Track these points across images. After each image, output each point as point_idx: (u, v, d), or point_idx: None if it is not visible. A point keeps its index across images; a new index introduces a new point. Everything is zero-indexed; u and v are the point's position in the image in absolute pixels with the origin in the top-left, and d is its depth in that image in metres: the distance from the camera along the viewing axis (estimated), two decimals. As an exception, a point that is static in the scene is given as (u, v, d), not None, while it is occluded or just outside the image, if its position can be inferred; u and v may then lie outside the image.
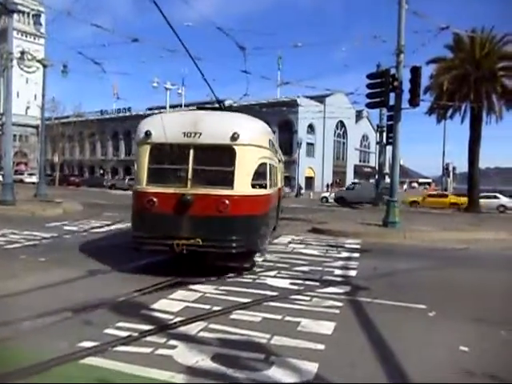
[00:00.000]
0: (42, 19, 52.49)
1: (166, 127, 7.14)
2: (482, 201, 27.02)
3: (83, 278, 6.67)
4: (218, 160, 7.12)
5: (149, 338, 4.22)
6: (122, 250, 9.43)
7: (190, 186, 6.92)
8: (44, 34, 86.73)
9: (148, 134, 7.22)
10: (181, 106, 62.92)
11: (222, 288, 6.20)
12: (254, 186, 7.26)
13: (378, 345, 4.28)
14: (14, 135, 49.93)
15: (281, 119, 55.79)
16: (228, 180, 6.97)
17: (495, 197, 30.28)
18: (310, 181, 57.70)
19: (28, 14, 79.88)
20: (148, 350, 3.95)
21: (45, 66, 25.86)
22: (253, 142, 7.26)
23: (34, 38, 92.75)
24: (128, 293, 5.76)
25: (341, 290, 6.35)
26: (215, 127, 7.17)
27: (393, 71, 14.25)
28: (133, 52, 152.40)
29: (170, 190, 6.95)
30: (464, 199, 27.79)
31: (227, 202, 6.79)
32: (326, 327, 4.72)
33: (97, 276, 6.81)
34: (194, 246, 6.73)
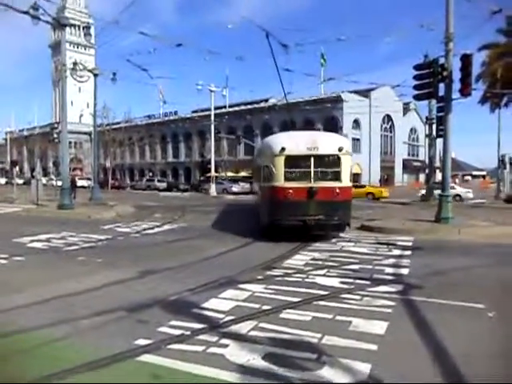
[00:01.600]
0: (92, 30, 54.85)
1: (294, 144, 11.04)
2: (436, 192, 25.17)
3: (136, 278, 6.89)
4: (329, 164, 11.01)
5: (201, 337, 4.29)
6: (171, 251, 9.71)
7: (313, 181, 10.80)
8: (94, 45, 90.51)
9: (283, 149, 10.89)
10: (225, 107, 63.79)
11: (271, 287, 6.21)
12: None
13: (433, 345, 4.12)
14: (70, 142, 52.33)
15: (325, 116, 55.16)
16: (337, 177, 10.93)
17: (452, 187, 29.32)
18: (356, 177, 56.51)
19: (79, 26, 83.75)
20: (200, 348, 4.02)
21: (95, 75, 26.99)
22: (348, 152, 11.28)
23: (85, 49, 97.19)
24: (179, 292, 5.89)
25: (393, 289, 6.18)
26: (326, 143, 11.19)
27: (441, 60, 13.69)
28: (177, 57, 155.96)
29: (301, 185, 10.77)
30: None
31: (338, 190, 10.80)
32: (379, 327, 4.60)
33: (149, 276, 7.02)
34: (318, 220, 10.72)
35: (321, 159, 10.95)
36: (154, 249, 10.02)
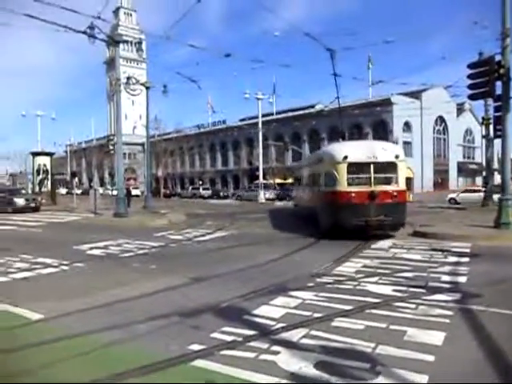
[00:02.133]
0: (144, 45, 57.15)
1: (355, 153, 12.42)
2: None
3: (189, 284, 7.04)
4: (387, 170, 12.43)
5: (252, 343, 4.31)
6: (222, 258, 9.84)
7: (374, 185, 12.14)
8: (145, 59, 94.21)
9: (345, 157, 12.27)
10: (272, 114, 64.12)
11: (322, 294, 6.14)
12: None
13: (493, 357, 3.90)
14: (124, 153, 54.64)
15: (374, 120, 54.04)
16: (396, 180, 12.48)
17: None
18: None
19: (131, 42, 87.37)
20: (252, 354, 4.04)
21: (147, 88, 28.04)
22: (403, 159, 12.77)
23: (137, 64, 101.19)
24: (230, 298, 5.96)
25: (450, 298, 5.92)
26: (384, 151, 12.55)
27: (498, 58, 13.06)
28: (225, 67, 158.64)
29: (363, 189, 12.13)
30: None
31: (396, 193, 12.28)
32: (436, 337, 4.42)
33: (201, 283, 7.15)
34: (380, 221, 12.07)
35: (379, 166, 12.38)
36: (206, 256, 10.21)
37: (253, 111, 51.52)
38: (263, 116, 47.21)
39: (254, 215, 23.67)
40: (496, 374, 3.60)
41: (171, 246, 11.87)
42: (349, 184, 12.31)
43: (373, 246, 10.99)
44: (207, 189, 58.99)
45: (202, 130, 76.03)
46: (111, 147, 23.43)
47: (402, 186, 12.62)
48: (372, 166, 12.32)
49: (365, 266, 8.30)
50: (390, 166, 12.53)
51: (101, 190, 43.75)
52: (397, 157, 12.60)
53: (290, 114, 63.67)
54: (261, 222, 19.69)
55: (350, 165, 12.35)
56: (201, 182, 71.79)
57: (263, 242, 12.45)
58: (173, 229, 16.25)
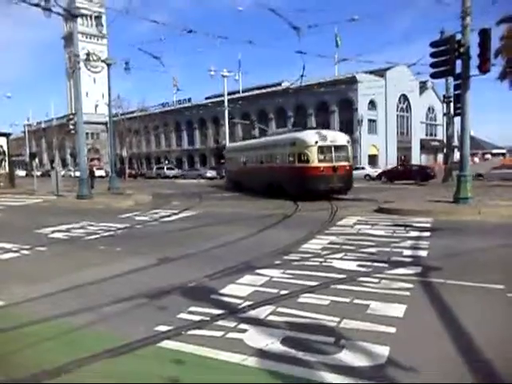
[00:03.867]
0: (104, 20, 54.82)
1: (322, 138, 18.18)
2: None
3: (155, 265, 6.99)
4: (342, 151, 18.56)
5: (220, 322, 4.35)
6: (189, 238, 9.81)
7: (335, 161, 18.00)
8: (106, 35, 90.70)
9: (316, 142, 18.02)
10: (238, 92, 63.45)
11: (289, 272, 6.23)
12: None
13: (452, 328, 4.09)
14: (87, 133, 52.85)
15: (340, 98, 54.43)
16: (347, 158, 18.67)
17: (362, 168, 40.66)
18: (373, 159, 55.86)
19: (90, 16, 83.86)
20: (219, 333, 4.07)
21: (108, 65, 27.09)
22: (350, 143, 19.24)
23: (97, 39, 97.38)
24: (198, 278, 5.96)
25: (411, 271, 6.14)
26: (340, 137, 19.15)
27: (458, 36, 13.33)
28: (189, 44, 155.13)
29: (328, 164, 17.91)
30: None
31: (348, 168, 18.61)
32: (397, 310, 4.59)
33: (167, 263, 7.11)
34: (339, 187, 18.23)
35: (338, 148, 18.48)
36: (172, 236, 10.15)
37: (218, 89, 50.80)
38: (229, 94, 46.64)
39: (221, 194, 23.62)
40: (454, 343, 3.78)
41: (137, 228, 11.71)
42: (319, 161, 18.03)
43: (338, 223, 11.20)
44: (172, 168, 58.40)
45: (166, 108, 74.44)
46: (72, 127, 22.65)
47: (351, 162, 19.33)
48: (333, 148, 18.24)
49: (331, 243, 8.47)
50: (344, 148, 18.76)
51: (63, 172, 42.38)
52: (348, 142, 19.13)
53: (257, 91, 63.19)
54: (228, 200, 19.70)
55: (319, 147, 18.05)
56: (167, 162, 70.79)
57: (230, 221, 12.48)
58: (139, 210, 16.02)
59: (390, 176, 33.53)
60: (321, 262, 6.86)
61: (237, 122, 54.90)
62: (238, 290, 5.44)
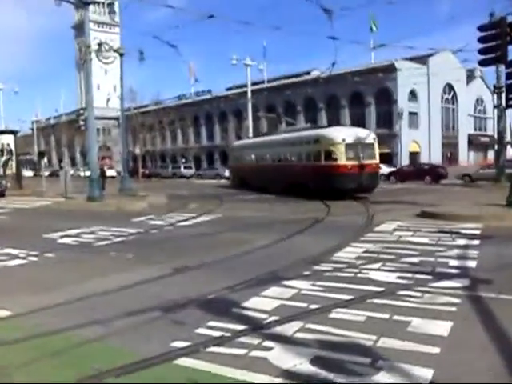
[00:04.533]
0: (116, 7, 55.90)
1: (349, 136, 20.26)
2: None
3: (171, 275, 7.06)
4: (369, 148, 20.67)
5: (242, 339, 4.34)
6: (208, 245, 9.88)
7: (362, 160, 19.79)
8: (118, 23, 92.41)
9: (343, 139, 19.84)
10: (263, 82, 63.62)
11: (320, 284, 6.19)
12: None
13: (505, 350, 3.97)
14: (97, 129, 53.79)
15: (377, 88, 53.95)
16: (373, 156, 20.82)
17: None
18: (414, 156, 54.98)
19: (102, 3, 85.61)
20: (242, 351, 4.06)
21: (121, 55, 27.57)
22: (376, 140, 21.30)
23: (110, 28, 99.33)
24: (217, 290, 5.98)
25: (458, 284, 6.01)
26: (366, 135, 21.33)
27: (510, 19, 13.02)
28: (209, 31, 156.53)
29: (355, 162, 19.70)
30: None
31: (374, 165, 20.82)
32: (442, 328, 4.49)
33: (185, 273, 7.18)
34: (366, 185, 20.08)
35: (364, 146, 20.41)
36: (190, 243, 10.24)
37: (241, 79, 51.03)
38: (253, 84, 46.87)
39: (243, 196, 23.70)
40: (507, 368, 3.67)
41: (151, 233, 11.87)
42: (346, 159, 19.76)
43: (376, 229, 11.09)
44: (189, 167, 58.91)
45: (183, 101, 75.36)
46: (82, 122, 23.20)
47: (377, 160, 21.28)
48: (360, 145, 20.10)
49: (367, 251, 8.39)
50: (371, 146, 20.77)
51: (72, 171, 43.34)
52: (374, 139, 21.06)
53: (283, 81, 63.24)
54: (252, 203, 19.76)
55: (347, 145, 19.88)
56: (184, 160, 71.47)
57: (254, 226, 12.53)
58: (153, 213, 16.22)
59: (400, 176, 34.17)
60: (355, 273, 6.79)
61: (261, 115, 55.07)
62: (262, 303, 5.43)
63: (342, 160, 19.65)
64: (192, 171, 56.93)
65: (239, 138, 63.24)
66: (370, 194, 20.39)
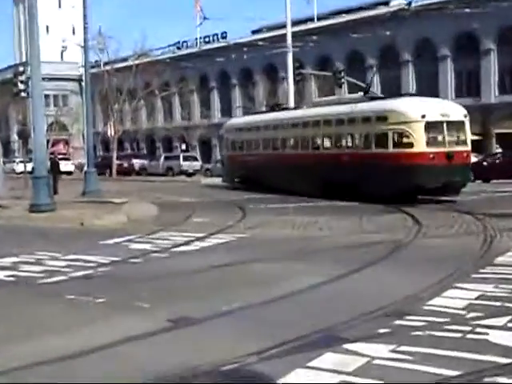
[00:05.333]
0: None
1: (431, 110, 22.30)
2: None
3: (164, 331, 7.07)
4: (459, 129, 23.23)
5: None
6: (221, 284, 9.89)
7: (448, 145, 22.38)
8: None
9: (423, 116, 21.45)
10: (312, 19, 63.52)
11: (404, 349, 6.11)
12: None
13: None
14: (47, 96, 54.52)
15: (503, 24, 52.75)
16: (464, 141, 23.50)
17: None
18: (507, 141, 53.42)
19: None
20: None
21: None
22: (467, 118, 23.66)
23: None
24: (238, 356, 5.96)
25: None
26: (454, 110, 23.81)
27: None
28: None
29: (440, 149, 22.12)
30: None
31: (466, 155, 23.42)
32: None
33: (184, 328, 7.20)
34: (455, 182, 22.28)
35: (452, 125, 21.84)
36: (194, 280, 10.30)
37: (275, 16, 51.11)
38: (294, 24, 46.80)
39: (279, 204, 23.68)
40: None
41: (133, 263, 12.00)
42: (428, 145, 21.49)
43: (498, 260, 11.02)
44: (192, 158, 59.01)
45: (184, 51, 75.75)
46: (22, 86, 23.49)
47: (469, 146, 23.09)
48: (445, 125, 21.65)
49: (483, 297, 8.33)
50: (461, 126, 22.62)
51: (3, 164, 43.98)
52: (465, 116, 22.62)
53: (342, 18, 62.83)
54: (293, 215, 19.75)
55: (428, 124, 21.31)
56: (184, 147, 71.77)
57: (297, 253, 12.56)
58: (135, 231, 16.37)
59: (481, 172, 33.50)
60: (465, 333, 6.72)
61: (308, 72, 54.94)
62: (310, 379, 5.42)
63: (422, 146, 21.53)
64: (197, 164, 57.17)
65: (273, 108, 63.25)
66: (457, 196, 21.97)
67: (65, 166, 49.59)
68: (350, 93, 43.97)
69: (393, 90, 49.41)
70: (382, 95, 32.50)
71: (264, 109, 66.69)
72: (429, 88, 49.92)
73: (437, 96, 42.19)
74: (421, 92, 42.29)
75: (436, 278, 9.31)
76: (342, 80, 50.17)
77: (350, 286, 9.36)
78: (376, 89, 51.56)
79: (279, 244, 13.88)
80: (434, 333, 6.74)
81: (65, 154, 67.12)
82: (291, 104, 43.42)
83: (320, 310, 7.82)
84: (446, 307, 7.79)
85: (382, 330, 6.85)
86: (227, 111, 74.66)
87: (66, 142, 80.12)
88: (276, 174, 27.96)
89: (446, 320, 7.21)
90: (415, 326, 7.03)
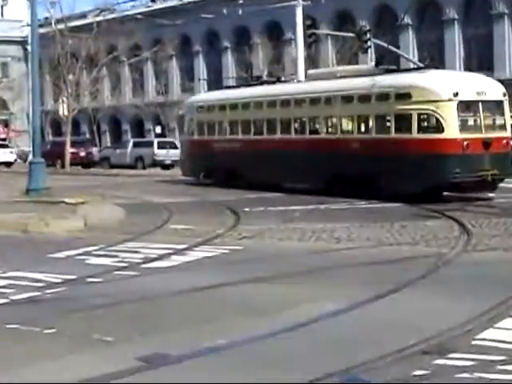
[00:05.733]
0: None
1: (465, 87, 23.81)
2: None
3: (133, 372, 7.03)
4: (496, 111, 25.41)
5: None
6: (206, 312, 9.89)
7: (485, 130, 24.15)
8: None
9: (455, 94, 22.44)
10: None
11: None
12: None
13: None
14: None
15: None
16: (503, 126, 25.41)
17: None
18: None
19: None
20: None
21: None
22: (506, 97, 25.39)
23: None
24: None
25: None
26: (492, 87, 25.55)
27: None
28: None
29: (475, 135, 23.60)
30: None
31: (505, 142, 24.91)
32: None
33: (159, 369, 7.16)
34: (494, 175, 23.31)
35: (488, 106, 22.47)
36: (169, 306, 10.36)
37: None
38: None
39: (283, 206, 23.73)
40: None
41: (91, 283, 12.02)
42: (461, 129, 22.31)
43: None
44: (171, 145, 58.91)
45: (160, 5, 75.91)
46: None
47: (509, 132, 23.90)
48: (481, 105, 22.61)
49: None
50: (499, 107, 23.76)
51: None
52: (504, 94, 23.47)
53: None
54: (303, 221, 19.80)
55: (461, 104, 22.18)
56: (159, 130, 71.75)
57: (309, 271, 12.61)
58: (95, 241, 16.39)
59: None
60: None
61: (324, 33, 55.07)
62: None
63: (454, 131, 22.06)
64: (176, 153, 57.09)
65: (279, 79, 63.24)
66: (493, 192, 23.01)
67: (3, 154, 49.66)
68: (378, 61, 43.89)
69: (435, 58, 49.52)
70: (395, 67, 33.28)
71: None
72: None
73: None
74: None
75: (488, 305, 9.34)
76: (368, 43, 49.90)
77: (377, 316, 9.35)
78: (412, 55, 51.61)
79: (283, 259, 13.86)
80: (484, 375, 6.73)
81: (4, 139, 67.00)
82: (301, 75, 43.33)
83: (336, 346, 7.82)
84: (500, 342, 7.81)
85: (418, 372, 6.82)
86: (215, 83, 74.51)
87: (6, 124, 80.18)
88: (261, 164, 28.34)
89: (500, 358, 7.19)
90: (461, 365, 7.00)
